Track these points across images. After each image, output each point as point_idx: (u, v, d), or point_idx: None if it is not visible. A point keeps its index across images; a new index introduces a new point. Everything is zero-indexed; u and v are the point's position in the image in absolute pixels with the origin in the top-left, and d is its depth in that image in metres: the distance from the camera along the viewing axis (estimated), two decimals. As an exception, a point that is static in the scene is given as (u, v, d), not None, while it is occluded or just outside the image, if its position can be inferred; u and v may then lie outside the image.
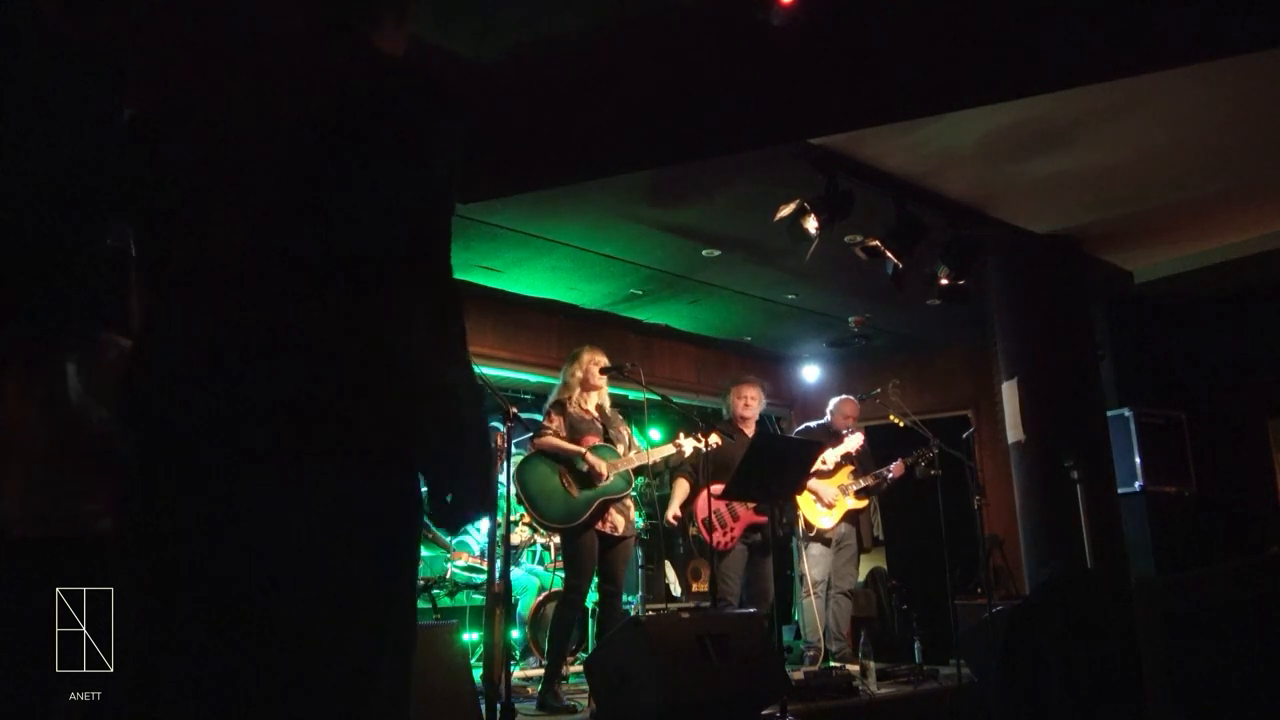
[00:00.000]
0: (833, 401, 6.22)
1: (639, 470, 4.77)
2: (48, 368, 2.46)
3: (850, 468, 5.88)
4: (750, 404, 5.59)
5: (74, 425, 2.39)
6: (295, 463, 1.14)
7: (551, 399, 4.74)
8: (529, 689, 4.77)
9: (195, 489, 1.15)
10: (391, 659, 1.20)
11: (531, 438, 4.73)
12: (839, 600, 5.87)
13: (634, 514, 4.76)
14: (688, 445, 4.86)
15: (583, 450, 4.48)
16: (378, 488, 1.19)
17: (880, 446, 6.06)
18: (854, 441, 5.88)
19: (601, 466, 4.46)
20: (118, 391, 1.26)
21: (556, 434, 4.56)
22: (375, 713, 1.16)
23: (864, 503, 5.94)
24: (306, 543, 1.14)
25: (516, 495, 4.66)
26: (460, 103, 1.29)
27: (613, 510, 4.51)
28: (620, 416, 4.88)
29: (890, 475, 5.87)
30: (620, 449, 4.64)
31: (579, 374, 4.66)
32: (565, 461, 4.50)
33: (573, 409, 4.64)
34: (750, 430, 5.58)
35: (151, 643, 1.18)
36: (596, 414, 4.70)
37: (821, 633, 5.78)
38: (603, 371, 4.71)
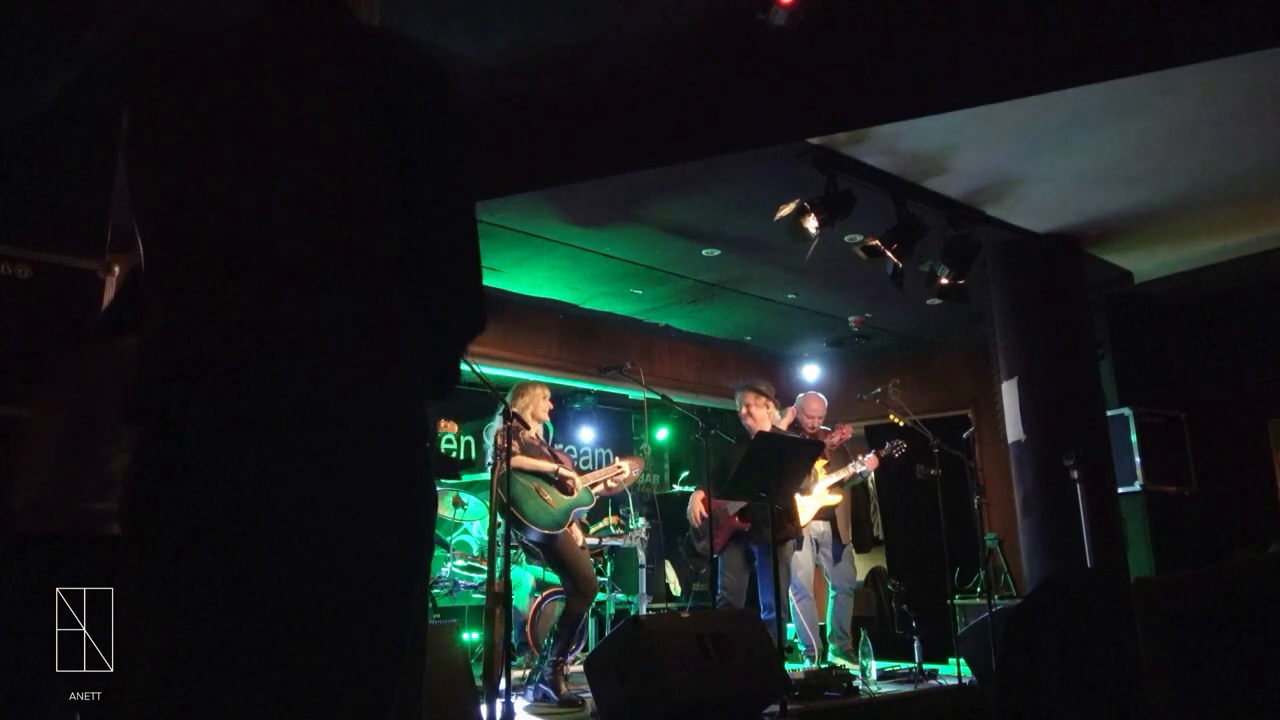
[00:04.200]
0: (798, 399, 6.06)
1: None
2: (78, 374, 2.49)
3: (823, 461, 5.77)
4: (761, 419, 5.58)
5: (94, 431, 2.41)
6: (313, 458, 1.12)
7: (498, 429, 4.75)
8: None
9: (208, 487, 1.13)
10: (409, 657, 1.20)
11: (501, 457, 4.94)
12: (840, 600, 5.82)
13: (604, 522, 5.21)
14: (626, 466, 5.16)
15: (557, 466, 4.80)
16: (397, 484, 1.18)
17: (881, 447, 6.02)
18: (866, 464, 5.76)
19: (576, 479, 4.80)
20: (126, 390, 1.23)
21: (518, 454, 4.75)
22: (395, 711, 1.16)
23: (839, 497, 5.80)
24: (327, 541, 1.12)
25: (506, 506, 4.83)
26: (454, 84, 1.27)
27: (574, 522, 4.84)
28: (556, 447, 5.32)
29: (864, 470, 5.76)
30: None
31: (529, 408, 4.92)
32: (538, 477, 4.74)
33: (524, 436, 4.88)
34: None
35: (169, 647, 1.15)
36: (541, 442, 4.99)
37: (813, 635, 5.75)
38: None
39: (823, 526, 5.86)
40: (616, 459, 5.30)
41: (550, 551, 4.74)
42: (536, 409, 4.93)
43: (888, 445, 5.77)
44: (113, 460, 2.38)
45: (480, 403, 5.71)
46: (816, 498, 5.76)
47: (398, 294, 1.21)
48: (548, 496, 4.69)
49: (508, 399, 4.80)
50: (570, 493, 4.77)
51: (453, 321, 1.29)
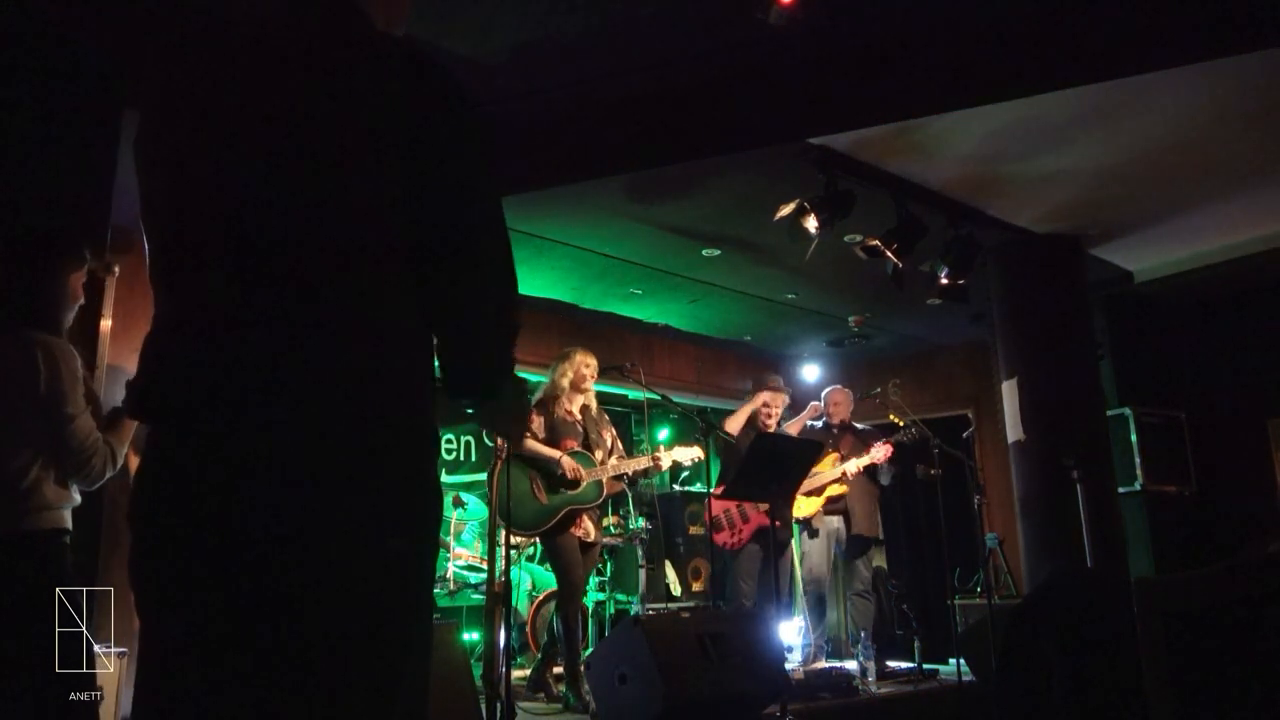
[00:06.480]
0: (824, 393, 6.07)
1: (639, 473, 4.75)
2: None
3: (834, 455, 5.71)
4: (776, 413, 5.57)
5: None
6: (322, 458, 1.12)
7: (536, 397, 4.63)
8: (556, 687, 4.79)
9: (215, 486, 1.12)
10: (415, 658, 1.19)
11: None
12: (855, 602, 5.71)
13: (604, 522, 4.77)
14: (666, 459, 4.68)
15: (559, 455, 4.40)
16: (406, 485, 1.18)
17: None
18: (879, 453, 5.61)
19: (580, 472, 4.40)
20: (128, 386, 1.23)
21: (535, 435, 4.46)
22: (400, 710, 1.15)
23: (844, 489, 5.67)
24: (336, 541, 1.11)
25: (485, 500, 4.63)
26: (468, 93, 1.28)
27: (584, 517, 4.48)
28: (607, 419, 4.82)
29: (881, 460, 5.63)
30: (599, 454, 4.57)
31: (570, 375, 4.59)
32: (539, 466, 4.40)
33: (557, 410, 4.57)
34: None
35: (173, 647, 1.15)
36: (580, 416, 4.64)
37: (844, 635, 5.67)
38: (603, 371, 4.72)
39: (836, 522, 5.72)
40: (661, 448, 4.80)
41: (545, 548, 4.60)
42: (580, 378, 4.57)
43: (901, 431, 5.59)
44: (10, 460, 2.32)
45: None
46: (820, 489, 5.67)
47: (407, 296, 1.21)
48: (538, 491, 4.37)
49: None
50: (575, 486, 4.40)
51: (479, 324, 1.29)
